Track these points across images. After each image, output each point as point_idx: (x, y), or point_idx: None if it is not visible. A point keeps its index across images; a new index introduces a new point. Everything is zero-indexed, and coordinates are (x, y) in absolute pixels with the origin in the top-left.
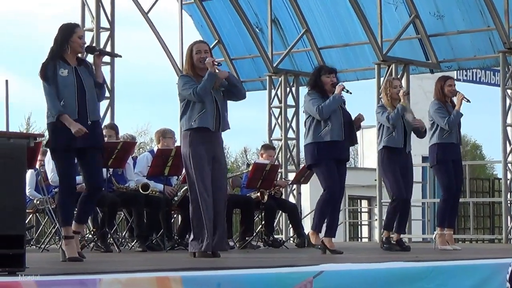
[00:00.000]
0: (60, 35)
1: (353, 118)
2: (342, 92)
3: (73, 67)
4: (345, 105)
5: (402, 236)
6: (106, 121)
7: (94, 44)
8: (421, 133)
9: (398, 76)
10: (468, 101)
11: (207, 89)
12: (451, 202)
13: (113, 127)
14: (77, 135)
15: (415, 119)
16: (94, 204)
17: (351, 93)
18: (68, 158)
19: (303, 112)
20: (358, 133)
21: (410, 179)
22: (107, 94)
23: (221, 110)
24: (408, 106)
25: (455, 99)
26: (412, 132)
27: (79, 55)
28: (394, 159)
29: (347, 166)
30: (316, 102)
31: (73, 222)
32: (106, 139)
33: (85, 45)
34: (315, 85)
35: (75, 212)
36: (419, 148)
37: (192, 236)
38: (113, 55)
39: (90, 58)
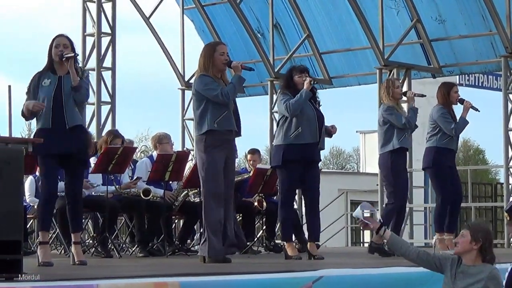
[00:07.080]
0: (49, 47)
1: (327, 125)
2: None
3: (58, 77)
4: (320, 106)
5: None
6: (108, 126)
7: (95, 49)
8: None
9: (400, 81)
10: (477, 110)
11: (236, 92)
12: (447, 207)
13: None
14: (35, 110)
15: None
16: (77, 213)
17: (316, 82)
18: (48, 164)
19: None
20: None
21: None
22: (107, 99)
23: (238, 113)
24: None
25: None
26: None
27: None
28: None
29: (349, 171)
30: (287, 101)
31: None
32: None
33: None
34: (288, 86)
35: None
36: (422, 152)
37: (202, 240)
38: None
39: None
